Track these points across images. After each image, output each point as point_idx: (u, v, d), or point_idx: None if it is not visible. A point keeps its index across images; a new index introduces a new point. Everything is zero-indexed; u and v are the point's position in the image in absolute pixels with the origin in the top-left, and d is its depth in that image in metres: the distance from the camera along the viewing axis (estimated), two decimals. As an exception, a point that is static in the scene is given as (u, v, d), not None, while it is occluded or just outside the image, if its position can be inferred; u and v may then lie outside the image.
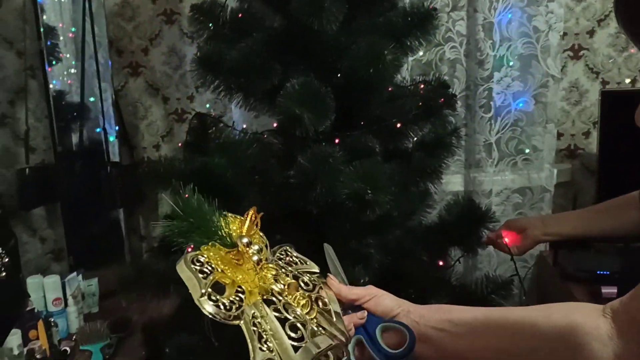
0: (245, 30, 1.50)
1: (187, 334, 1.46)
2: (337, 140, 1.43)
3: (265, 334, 0.63)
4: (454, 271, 1.79)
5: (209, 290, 0.63)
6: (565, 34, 2.15)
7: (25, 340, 1.68)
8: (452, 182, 2.17)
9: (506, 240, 1.50)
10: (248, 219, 0.72)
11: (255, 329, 0.63)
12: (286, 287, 0.69)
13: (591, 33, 2.20)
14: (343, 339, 0.68)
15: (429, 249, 1.63)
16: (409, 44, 1.47)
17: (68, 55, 2.18)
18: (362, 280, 1.36)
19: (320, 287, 0.72)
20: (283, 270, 0.71)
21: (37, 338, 1.73)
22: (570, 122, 2.26)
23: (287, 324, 0.64)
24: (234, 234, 0.72)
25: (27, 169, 2.15)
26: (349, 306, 0.79)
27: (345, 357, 0.67)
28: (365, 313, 0.77)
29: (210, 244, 0.68)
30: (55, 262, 2.41)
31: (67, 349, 1.82)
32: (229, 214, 0.72)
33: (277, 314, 0.65)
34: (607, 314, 0.64)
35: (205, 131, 1.65)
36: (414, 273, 1.58)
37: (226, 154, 1.35)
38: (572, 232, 1.44)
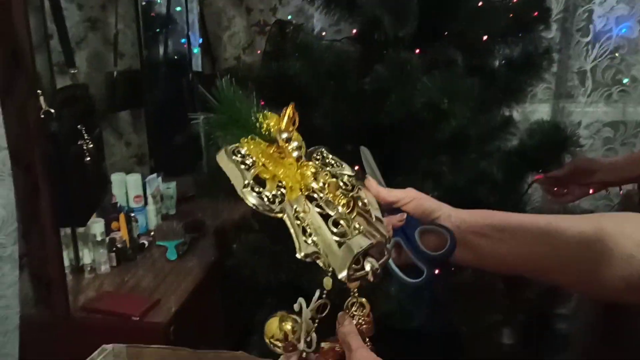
0: None
1: (254, 235, 1.51)
2: (417, 51, 1.37)
3: (309, 228, 0.62)
4: (529, 199, 1.72)
5: (252, 182, 0.62)
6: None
7: (108, 230, 1.80)
8: (539, 111, 2.06)
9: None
10: (286, 115, 0.68)
11: (299, 222, 0.62)
12: (326, 185, 0.66)
13: None
14: (383, 240, 0.66)
15: (505, 174, 1.57)
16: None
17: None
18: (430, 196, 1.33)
19: (359, 189, 0.69)
20: (322, 169, 0.69)
21: (119, 229, 1.84)
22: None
23: (330, 220, 0.62)
24: (272, 129, 0.70)
25: (115, 72, 2.22)
26: (388, 209, 0.76)
27: (386, 256, 0.64)
28: (405, 215, 0.74)
29: (250, 137, 0.66)
30: (138, 166, 2.52)
31: (145, 242, 1.93)
32: (267, 111, 0.69)
33: (319, 210, 0.63)
34: None
35: (283, 38, 1.63)
36: (487, 197, 1.54)
37: (302, 58, 1.33)
38: None
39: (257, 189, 0.62)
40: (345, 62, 1.39)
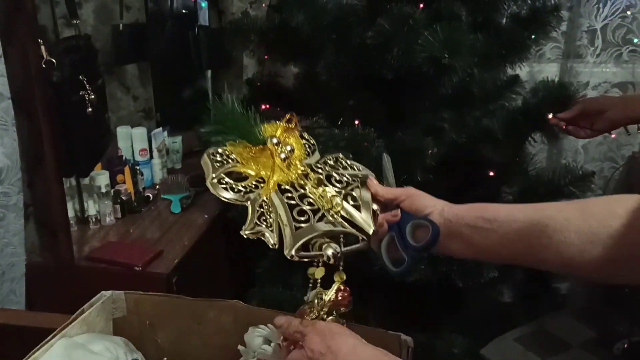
0: None
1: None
2: (421, 5, 1.35)
3: (267, 215, 0.71)
4: (532, 159, 1.72)
5: (221, 175, 0.73)
6: None
7: (113, 182, 1.82)
8: (546, 70, 2.03)
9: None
10: (283, 122, 0.80)
11: (259, 209, 0.71)
12: (314, 181, 0.77)
13: None
14: (368, 231, 0.75)
15: (508, 133, 1.56)
16: None
17: None
18: (430, 152, 1.33)
19: (357, 186, 0.79)
20: (318, 170, 0.79)
21: (124, 182, 1.87)
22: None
23: (295, 209, 0.72)
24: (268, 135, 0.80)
25: (120, 25, 2.21)
26: (391, 206, 0.82)
27: (362, 244, 0.74)
28: (398, 211, 0.79)
29: (238, 141, 0.78)
30: (145, 120, 2.53)
31: (150, 195, 1.95)
32: (273, 122, 0.81)
33: (290, 202, 0.73)
34: None
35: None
36: (488, 155, 1.53)
37: (305, 8, 1.32)
38: None
39: (224, 182, 0.73)
40: (348, 14, 1.38)
